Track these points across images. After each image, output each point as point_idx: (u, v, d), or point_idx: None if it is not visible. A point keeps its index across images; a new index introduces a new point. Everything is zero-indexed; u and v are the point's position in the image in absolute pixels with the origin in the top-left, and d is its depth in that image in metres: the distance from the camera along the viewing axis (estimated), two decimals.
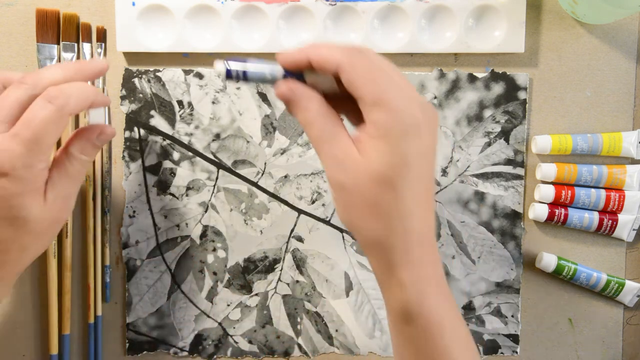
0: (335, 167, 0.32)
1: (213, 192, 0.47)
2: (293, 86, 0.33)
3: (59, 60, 0.45)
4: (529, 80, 0.47)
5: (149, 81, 0.46)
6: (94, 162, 0.45)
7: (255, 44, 0.45)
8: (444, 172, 0.47)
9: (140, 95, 0.46)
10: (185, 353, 0.47)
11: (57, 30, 0.44)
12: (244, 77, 0.34)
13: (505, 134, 0.47)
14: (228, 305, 0.47)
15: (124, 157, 0.46)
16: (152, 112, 0.46)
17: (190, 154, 0.46)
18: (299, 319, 0.48)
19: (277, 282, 0.47)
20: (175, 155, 0.46)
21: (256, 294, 0.47)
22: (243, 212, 0.47)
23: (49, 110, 0.32)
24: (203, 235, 0.47)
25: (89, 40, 0.45)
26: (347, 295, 0.48)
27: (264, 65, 0.34)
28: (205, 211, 0.47)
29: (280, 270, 0.47)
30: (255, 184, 0.47)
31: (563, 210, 0.46)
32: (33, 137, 0.32)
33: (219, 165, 0.47)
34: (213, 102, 0.46)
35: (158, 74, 0.46)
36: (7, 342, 0.47)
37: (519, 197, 0.47)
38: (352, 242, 0.47)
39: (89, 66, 0.36)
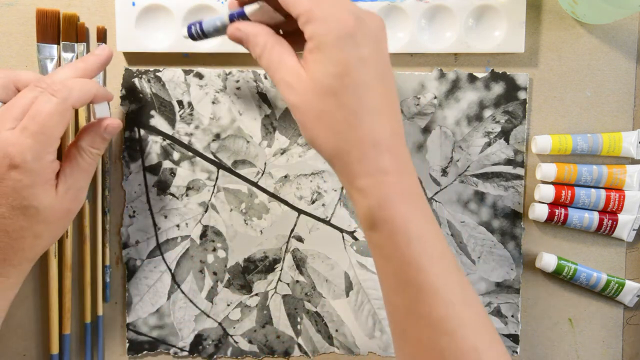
0: (287, 90, 0.34)
1: (213, 192, 0.47)
2: (240, 26, 0.36)
3: (59, 60, 0.45)
4: (529, 80, 0.47)
5: (149, 81, 0.46)
6: None
7: None
8: (444, 172, 0.47)
9: (140, 95, 0.46)
10: (185, 353, 0.47)
11: (57, 30, 0.44)
12: (201, 30, 0.39)
13: (505, 134, 0.47)
14: (228, 305, 0.47)
15: (123, 157, 0.46)
16: (152, 112, 0.46)
17: (190, 154, 0.47)
18: (299, 319, 0.48)
19: (277, 282, 0.47)
20: (175, 155, 0.46)
21: (256, 294, 0.47)
22: (243, 212, 0.47)
23: (54, 103, 0.35)
24: (203, 235, 0.47)
25: (89, 41, 0.45)
26: (347, 295, 0.48)
27: (214, 17, 0.38)
28: (205, 211, 0.47)
29: (280, 270, 0.47)
30: (255, 184, 0.47)
31: (563, 210, 0.46)
32: (40, 130, 0.34)
33: (219, 165, 0.47)
34: (213, 102, 0.46)
35: (158, 74, 0.46)
36: (7, 342, 0.47)
37: (519, 197, 0.47)
38: (352, 242, 0.47)
39: (92, 59, 0.39)
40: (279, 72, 0.35)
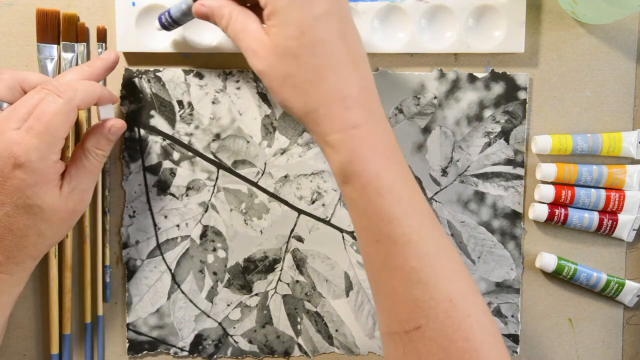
0: (253, 57, 0.35)
1: (213, 192, 0.47)
2: (204, 1, 0.37)
3: (59, 60, 0.45)
4: (529, 80, 0.47)
5: (149, 81, 0.46)
6: None
7: None
8: (444, 172, 0.47)
9: (140, 95, 0.46)
10: (185, 353, 0.47)
11: (57, 30, 0.44)
12: (170, 18, 0.40)
13: (505, 134, 0.47)
14: (228, 305, 0.47)
15: (123, 157, 0.46)
16: (152, 112, 0.46)
17: (190, 154, 0.47)
18: (299, 319, 0.48)
19: (277, 282, 0.47)
20: (175, 155, 0.46)
21: (256, 294, 0.47)
22: (243, 212, 0.47)
23: (59, 104, 0.35)
24: (203, 235, 0.47)
25: (89, 41, 0.45)
26: (347, 295, 0.48)
27: (180, 1, 0.40)
28: (205, 211, 0.47)
29: (280, 270, 0.47)
30: (255, 184, 0.47)
31: (563, 210, 0.46)
32: (45, 130, 0.34)
33: (219, 165, 0.47)
34: (213, 102, 0.46)
35: (158, 74, 0.46)
36: (7, 342, 0.47)
37: (519, 197, 0.47)
38: (352, 242, 0.47)
39: (98, 63, 0.40)
40: (244, 40, 0.36)
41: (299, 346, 0.48)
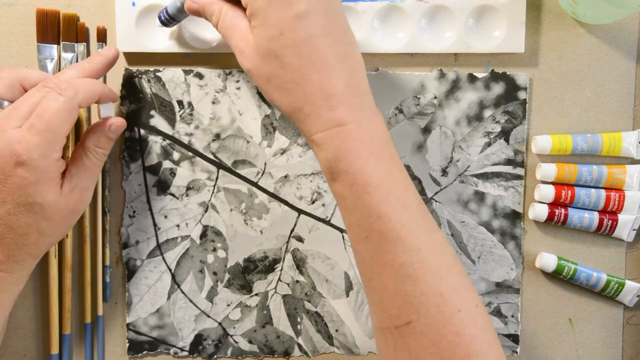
0: (240, 56, 0.36)
1: (213, 192, 0.47)
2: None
3: (59, 60, 0.45)
4: (529, 80, 0.47)
5: (149, 81, 0.46)
6: None
7: None
8: (444, 172, 0.47)
9: (140, 95, 0.46)
10: (185, 353, 0.47)
11: (57, 30, 0.44)
12: (168, 15, 0.41)
13: (505, 134, 0.47)
14: (228, 305, 0.47)
15: (123, 157, 0.46)
16: (152, 112, 0.46)
17: (190, 154, 0.47)
18: (299, 319, 0.48)
19: (277, 282, 0.47)
20: (175, 155, 0.46)
21: (256, 294, 0.47)
22: (243, 212, 0.47)
23: (60, 102, 0.35)
24: (203, 235, 0.47)
25: (89, 41, 0.45)
26: (347, 295, 0.48)
27: None
28: (205, 211, 0.47)
29: (280, 270, 0.47)
30: (255, 184, 0.47)
31: (563, 210, 0.46)
32: (47, 128, 0.34)
33: (219, 165, 0.47)
34: (213, 102, 0.46)
35: (158, 74, 0.46)
36: (7, 342, 0.47)
37: (519, 197, 0.47)
38: None
39: (98, 59, 0.40)
40: (233, 38, 0.36)
41: (299, 346, 0.48)
